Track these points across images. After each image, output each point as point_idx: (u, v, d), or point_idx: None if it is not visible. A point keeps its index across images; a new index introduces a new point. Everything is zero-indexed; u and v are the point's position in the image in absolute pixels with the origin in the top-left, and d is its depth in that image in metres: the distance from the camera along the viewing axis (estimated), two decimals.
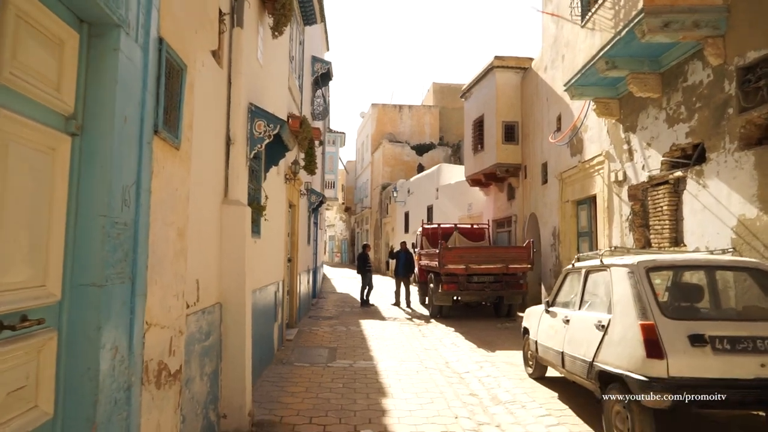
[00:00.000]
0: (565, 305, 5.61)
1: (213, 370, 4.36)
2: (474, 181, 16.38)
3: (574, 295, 5.45)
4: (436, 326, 11.11)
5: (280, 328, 8.20)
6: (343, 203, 45.91)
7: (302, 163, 10.35)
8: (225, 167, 4.73)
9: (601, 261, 4.89)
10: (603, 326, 4.43)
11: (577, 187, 10.19)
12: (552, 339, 5.60)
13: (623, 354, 4.04)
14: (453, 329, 10.65)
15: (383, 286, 21.00)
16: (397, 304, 14.69)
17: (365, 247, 15.30)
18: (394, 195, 26.90)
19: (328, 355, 7.94)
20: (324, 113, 13.45)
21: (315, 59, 13.12)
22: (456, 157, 30.83)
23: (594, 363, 4.46)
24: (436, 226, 14.85)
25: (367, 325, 10.98)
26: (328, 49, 18.37)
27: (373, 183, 35.31)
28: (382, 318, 12.28)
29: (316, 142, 12.65)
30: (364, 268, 14.73)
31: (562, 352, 5.20)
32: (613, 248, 5.60)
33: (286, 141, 6.32)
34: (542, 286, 12.19)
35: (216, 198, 4.54)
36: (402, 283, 14.61)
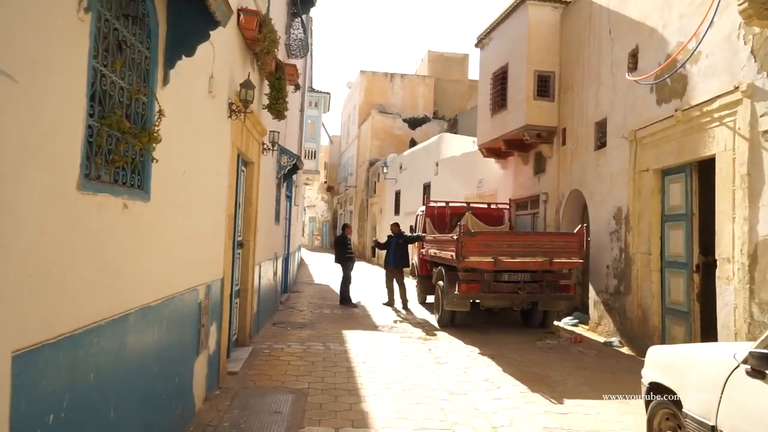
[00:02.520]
0: None
1: None
2: (490, 151, 13.11)
3: None
4: (450, 343, 7.89)
5: (212, 359, 4.88)
6: (325, 182, 42.39)
7: (266, 100, 6.96)
8: None
9: None
10: None
11: (667, 148, 6.98)
12: None
13: None
14: (477, 349, 7.43)
15: (369, 277, 17.72)
16: (389, 304, 11.44)
17: (345, 228, 11.99)
18: (384, 171, 23.57)
19: (291, 411, 4.63)
20: (303, 49, 10.02)
21: None
22: (452, 133, 27.52)
23: None
24: (444, 204, 11.58)
25: (355, 340, 7.71)
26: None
27: (359, 159, 31.86)
28: (374, 326, 9.01)
29: (291, 88, 9.27)
30: (344, 255, 11.43)
31: None
32: None
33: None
34: (590, 290, 9.03)
35: None
36: (395, 278, 11.36)
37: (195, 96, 3.98)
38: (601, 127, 9.00)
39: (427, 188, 19.28)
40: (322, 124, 20.76)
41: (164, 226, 3.37)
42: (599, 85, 9.07)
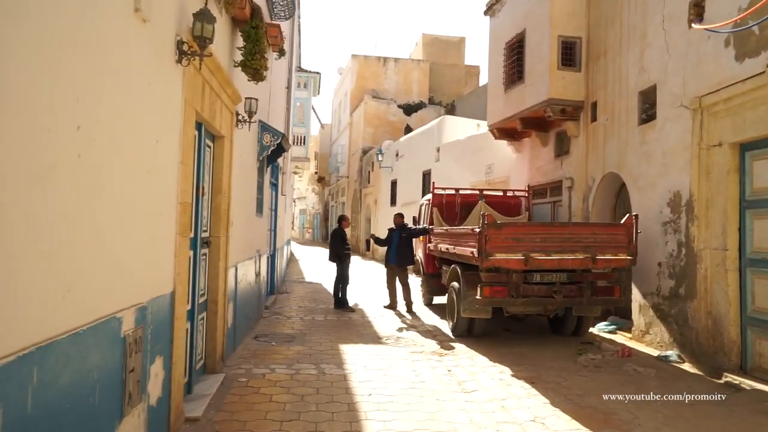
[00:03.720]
0: None
1: None
2: (502, 132, 11.60)
3: None
4: (472, 360, 6.41)
5: (155, 412, 3.35)
6: (316, 172, 40.73)
7: (239, 57, 5.44)
8: None
9: None
10: None
11: (751, 116, 5.50)
12: None
13: None
14: (508, 370, 5.95)
15: (365, 274, 16.21)
16: (392, 307, 9.94)
17: (342, 220, 10.37)
18: (379, 159, 21.99)
19: None
20: (289, 8, 8.42)
21: None
22: None
23: None
24: (453, 192, 10.06)
25: (355, 359, 6.19)
26: None
27: (351, 148, 30.23)
28: (377, 338, 7.51)
29: (275, 54, 7.74)
30: (341, 251, 9.90)
31: None
32: None
33: None
34: (634, 291, 7.57)
35: None
36: (398, 278, 9.86)
37: (102, 3, 2.42)
38: (647, 97, 7.51)
39: (426, 176, 17.75)
40: (312, 108, 19.11)
41: (34, 217, 1.83)
42: (645, 46, 7.56)
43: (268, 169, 8.89)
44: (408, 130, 26.71)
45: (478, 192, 10.17)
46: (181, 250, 3.81)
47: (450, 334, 7.86)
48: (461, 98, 28.49)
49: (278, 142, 7.70)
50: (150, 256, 3.23)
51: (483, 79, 27.96)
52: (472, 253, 6.80)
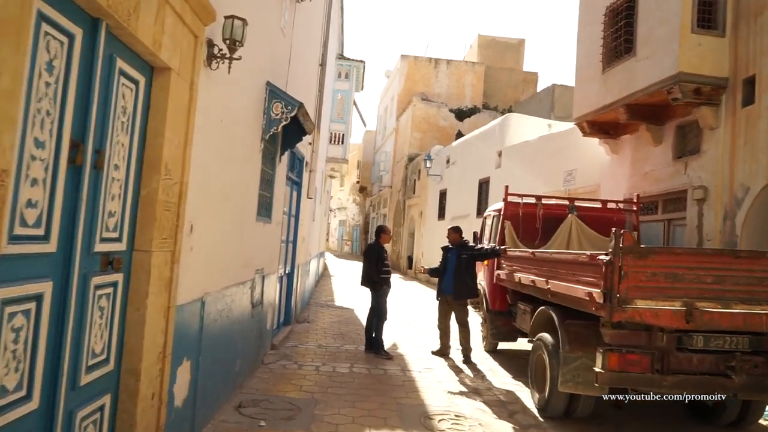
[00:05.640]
0: None
1: None
2: (595, 126, 8.86)
3: None
4: None
5: None
6: (357, 181, 38.53)
7: None
8: None
9: None
10: None
11: None
12: None
13: None
14: None
15: (407, 297, 13.61)
16: (443, 353, 7.32)
17: (380, 233, 7.56)
18: (427, 166, 19.44)
19: None
20: None
21: None
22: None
23: None
24: (534, 201, 7.38)
25: None
26: None
27: (396, 155, 27.83)
28: (424, 414, 4.89)
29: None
30: (377, 275, 7.22)
31: None
32: None
33: None
34: None
35: None
36: (455, 315, 7.23)
37: None
38: None
39: (483, 186, 15.08)
40: (354, 103, 16.76)
41: None
42: None
43: (283, 158, 6.49)
44: (459, 136, 24.07)
45: (567, 202, 7.45)
46: None
47: (534, 410, 5.19)
48: (520, 103, 25.66)
49: (293, 114, 5.27)
50: None
51: (541, 87, 25.03)
52: (589, 294, 4.13)
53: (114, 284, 2.68)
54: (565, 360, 4.54)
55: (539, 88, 28.42)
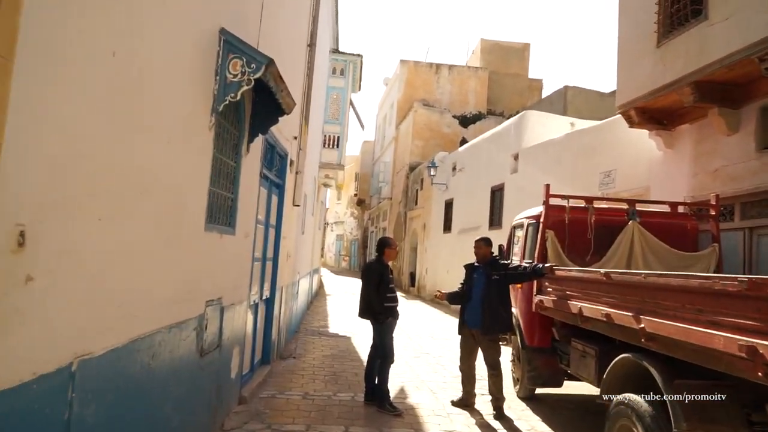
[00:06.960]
0: None
1: None
2: (646, 114, 7.20)
3: None
4: None
5: None
6: (355, 194, 36.91)
7: None
8: None
9: None
10: None
11: None
12: None
13: None
14: None
15: (413, 320, 11.88)
16: (465, 403, 5.58)
17: (383, 247, 5.72)
18: (431, 174, 17.80)
19: None
20: None
21: None
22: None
23: None
24: (584, 205, 5.69)
25: None
26: None
27: (396, 164, 26.22)
28: None
29: None
30: (379, 305, 5.41)
31: None
32: None
33: None
34: None
35: None
36: (483, 353, 5.49)
37: None
38: None
39: (496, 194, 13.41)
40: (351, 104, 15.15)
41: None
42: None
43: (253, 147, 4.80)
44: (463, 143, 22.52)
45: (626, 206, 5.76)
46: None
47: None
48: (528, 107, 24.15)
49: (258, 75, 3.60)
50: None
51: (546, 95, 23.49)
52: (748, 349, 2.42)
53: None
54: None
55: (544, 96, 27.02)
